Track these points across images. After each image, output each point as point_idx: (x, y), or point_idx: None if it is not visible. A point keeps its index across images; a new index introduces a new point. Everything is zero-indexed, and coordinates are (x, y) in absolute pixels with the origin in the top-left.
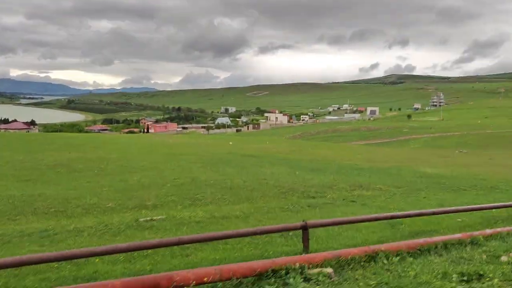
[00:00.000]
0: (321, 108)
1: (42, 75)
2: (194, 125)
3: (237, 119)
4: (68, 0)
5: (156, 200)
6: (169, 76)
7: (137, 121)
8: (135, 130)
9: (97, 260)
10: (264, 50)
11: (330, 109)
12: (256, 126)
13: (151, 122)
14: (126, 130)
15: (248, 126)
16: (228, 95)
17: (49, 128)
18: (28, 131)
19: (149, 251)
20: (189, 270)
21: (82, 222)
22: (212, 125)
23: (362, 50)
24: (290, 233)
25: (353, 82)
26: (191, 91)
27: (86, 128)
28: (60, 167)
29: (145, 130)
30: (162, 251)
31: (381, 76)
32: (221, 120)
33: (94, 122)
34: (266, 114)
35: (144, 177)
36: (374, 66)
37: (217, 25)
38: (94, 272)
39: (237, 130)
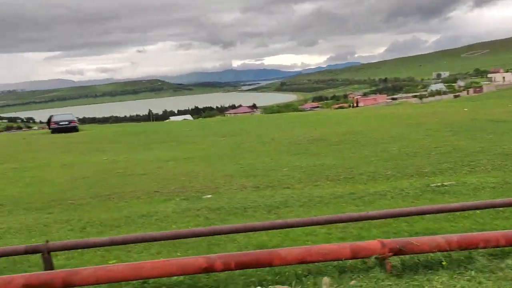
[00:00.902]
0: None
1: (258, 62)
2: (404, 95)
3: (452, 84)
4: None
5: (432, 168)
6: (372, 48)
7: (345, 96)
8: (344, 105)
9: (424, 218)
10: (480, 2)
11: None
12: (477, 89)
13: (359, 96)
14: (336, 106)
15: (467, 91)
16: (439, 59)
17: (267, 110)
18: (252, 114)
19: (470, 212)
20: None
21: (375, 187)
22: (424, 93)
23: None
24: None
25: None
26: (397, 60)
27: (299, 107)
28: (318, 141)
29: (355, 104)
30: (470, 213)
31: None
32: (434, 86)
33: (305, 100)
34: (489, 75)
35: (402, 146)
36: None
37: None
38: (425, 228)
39: (455, 96)
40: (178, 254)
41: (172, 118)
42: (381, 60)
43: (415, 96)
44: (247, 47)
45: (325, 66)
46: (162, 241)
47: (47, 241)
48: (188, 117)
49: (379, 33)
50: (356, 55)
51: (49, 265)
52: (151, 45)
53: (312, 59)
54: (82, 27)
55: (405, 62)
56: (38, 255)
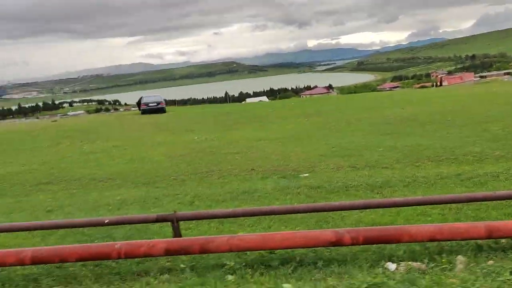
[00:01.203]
0: None
1: (334, 41)
2: (494, 72)
3: None
4: None
5: None
6: (459, 22)
7: (427, 75)
8: (427, 84)
9: None
10: None
11: None
12: None
13: (443, 74)
14: (418, 85)
15: None
16: None
17: (344, 90)
18: (328, 94)
19: None
20: None
21: (484, 168)
22: None
23: None
24: None
25: None
26: (486, 34)
27: (378, 87)
28: (408, 121)
29: (438, 84)
30: None
31: None
32: None
33: (384, 80)
34: None
35: (506, 126)
36: None
37: None
38: None
39: None
40: (289, 229)
41: (248, 100)
42: (469, 35)
43: (507, 74)
44: (323, 25)
45: (405, 43)
46: (271, 216)
47: (175, 211)
48: (264, 98)
49: (467, 5)
50: (440, 30)
51: (178, 233)
52: (226, 27)
53: (392, 36)
54: (161, 11)
55: (496, 36)
56: (156, 225)
